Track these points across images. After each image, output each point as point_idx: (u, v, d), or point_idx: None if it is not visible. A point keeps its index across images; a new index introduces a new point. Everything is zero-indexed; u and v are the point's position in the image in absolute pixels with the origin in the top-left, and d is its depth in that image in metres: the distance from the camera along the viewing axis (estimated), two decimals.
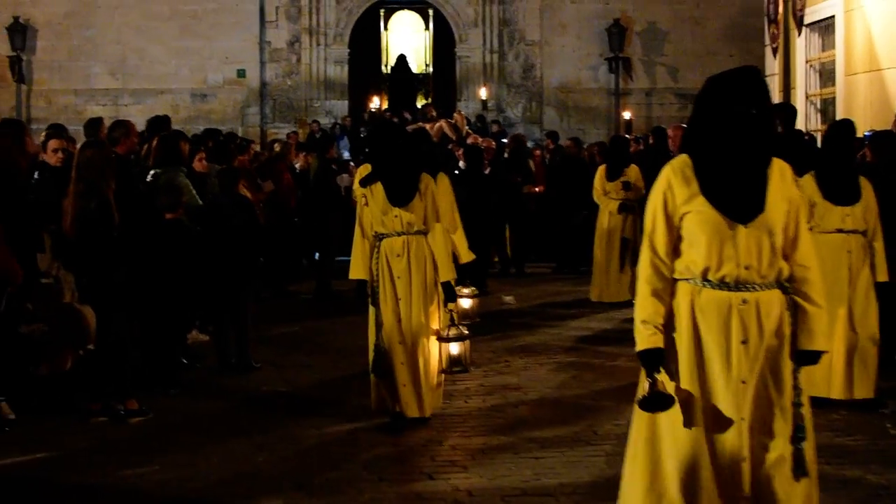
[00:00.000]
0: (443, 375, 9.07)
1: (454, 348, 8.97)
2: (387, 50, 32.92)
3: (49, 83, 28.87)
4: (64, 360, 9.49)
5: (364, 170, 9.35)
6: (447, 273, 8.83)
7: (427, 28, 32.56)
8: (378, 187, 8.73)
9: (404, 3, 32.14)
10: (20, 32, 28.25)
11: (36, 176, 10.48)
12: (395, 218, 8.67)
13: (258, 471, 7.84)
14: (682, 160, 5.17)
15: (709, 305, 5.05)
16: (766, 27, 22.05)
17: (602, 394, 10.02)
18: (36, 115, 27.48)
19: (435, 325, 8.87)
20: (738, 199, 5.03)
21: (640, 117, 28.68)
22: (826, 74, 19.92)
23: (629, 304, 14.50)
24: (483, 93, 29.36)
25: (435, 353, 8.87)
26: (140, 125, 13.56)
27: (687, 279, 5.11)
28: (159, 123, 13.62)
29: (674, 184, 5.12)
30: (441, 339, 8.91)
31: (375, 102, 30.21)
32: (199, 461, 8.06)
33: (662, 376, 5.08)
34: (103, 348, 9.22)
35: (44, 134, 11.22)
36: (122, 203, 9.20)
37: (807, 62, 20.38)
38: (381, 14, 32.42)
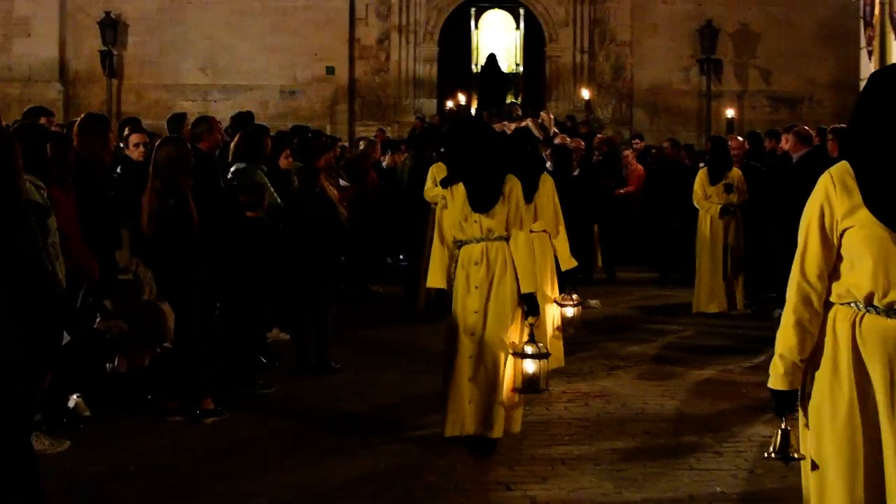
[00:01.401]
0: (521, 396, 8.36)
1: (529, 366, 8.16)
2: (477, 49, 32.78)
3: (139, 78, 29.07)
4: (142, 358, 9.44)
5: (438, 170, 8.77)
6: (529, 284, 8.11)
7: (517, 27, 32.39)
8: (459, 189, 8.13)
9: (495, 1, 31.99)
10: (111, 28, 28.48)
11: (119, 171, 10.46)
12: (474, 223, 8.06)
13: (332, 477, 7.69)
14: (841, 167, 4.47)
15: (871, 334, 4.40)
16: (862, 29, 21.58)
17: (688, 406, 9.77)
18: (126, 109, 27.59)
19: (514, 339, 8.17)
20: None
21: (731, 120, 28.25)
22: None
23: (728, 316, 14.20)
24: (585, 94, 29.00)
25: (510, 369, 8.17)
26: (228, 122, 13.52)
27: (848, 303, 4.47)
28: (242, 120, 13.57)
29: (832, 195, 4.44)
30: (516, 355, 8.15)
31: (460, 99, 29.86)
32: (273, 464, 7.94)
33: (795, 421, 4.59)
34: (181, 346, 9.13)
35: (127, 129, 11.19)
36: (203, 200, 9.09)
37: None
38: (472, 13, 32.30)
